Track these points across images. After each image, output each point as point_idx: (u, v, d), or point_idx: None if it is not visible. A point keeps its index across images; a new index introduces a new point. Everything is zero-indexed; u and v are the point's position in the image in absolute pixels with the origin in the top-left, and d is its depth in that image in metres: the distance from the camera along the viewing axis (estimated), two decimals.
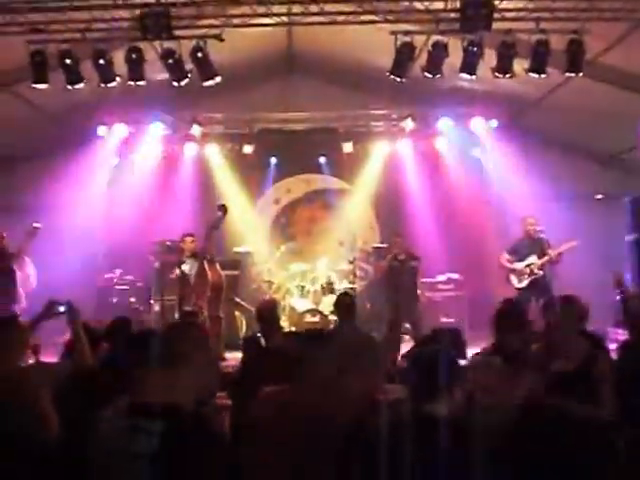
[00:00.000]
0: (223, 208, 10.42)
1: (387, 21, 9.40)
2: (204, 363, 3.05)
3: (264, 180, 14.59)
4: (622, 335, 8.98)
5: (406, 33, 9.14)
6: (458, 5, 8.58)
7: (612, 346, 6.79)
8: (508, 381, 4.33)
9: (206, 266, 10.24)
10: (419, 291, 11.76)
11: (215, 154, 14.19)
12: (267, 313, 6.96)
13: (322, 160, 14.31)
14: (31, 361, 5.45)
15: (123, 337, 6.17)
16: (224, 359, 9.63)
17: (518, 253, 11.14)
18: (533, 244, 11.06)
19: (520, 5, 8.81)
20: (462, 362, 5.72)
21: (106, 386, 4.66)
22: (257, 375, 4.77)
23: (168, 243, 12.65)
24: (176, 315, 10.33)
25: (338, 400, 3.71)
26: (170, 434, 2.82)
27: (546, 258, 10.91)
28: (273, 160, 14.23)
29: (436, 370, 3.34)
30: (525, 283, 11.01)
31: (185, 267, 10.49)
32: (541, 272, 10.97)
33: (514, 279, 11.13)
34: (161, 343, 3.14)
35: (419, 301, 11.70)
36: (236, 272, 12.76)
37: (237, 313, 12.21)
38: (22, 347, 4.98)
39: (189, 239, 10.76)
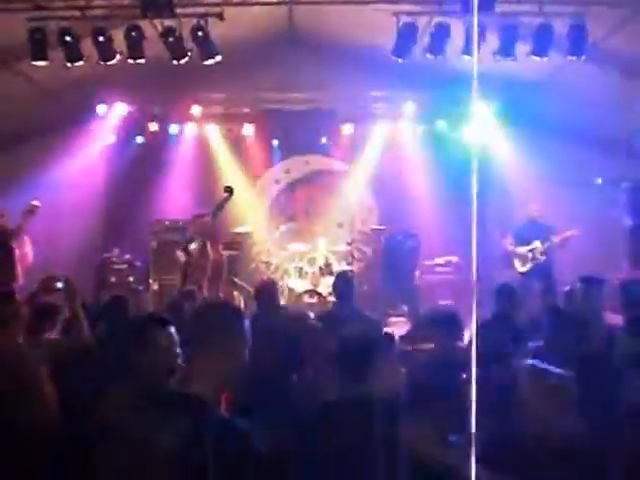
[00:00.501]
0: (229, 189, 10.45)
1: (389, 1, 9.35)
2: (227, 350, 2.97)
3: (264, 160, 14.56)
4: (619, 320, 9.00)
5: (408, 14, 9.09)
6: None
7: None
8: None
9: (208, 246, 10.28)
10: (417, 272, 11.80)
11: (215, 134, 14.17)
12: (265, 293, 6.97)
13: (324, 140, 14.26)
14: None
15: (120, 316, 6.20)
16: None
17: (521, 237, 11.17)
18: (536, 229, 11.10)
19: None
20: (460, 344, 5.77)
21: (103, 364, 4.67)
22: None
23: (167, 223, 12.66)
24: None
25: None
26: (194, 434, 2.76)
27: (549, 244, 10.93)
28: (275, 142, 14.18)
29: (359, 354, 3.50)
30: (528, 267, 11.04)
31: (193, 246, 10.52)
32: (544, 257, 10.99)
33: (517, 263, 11.16)
34: (181, 326, 3.15)
35: (416, 282, 11.74)
36: (235, 252, 12.78)
37: (235, 293, 12.23)
38: (18, 323, 4.99)
39: (198, 219, 10.76)
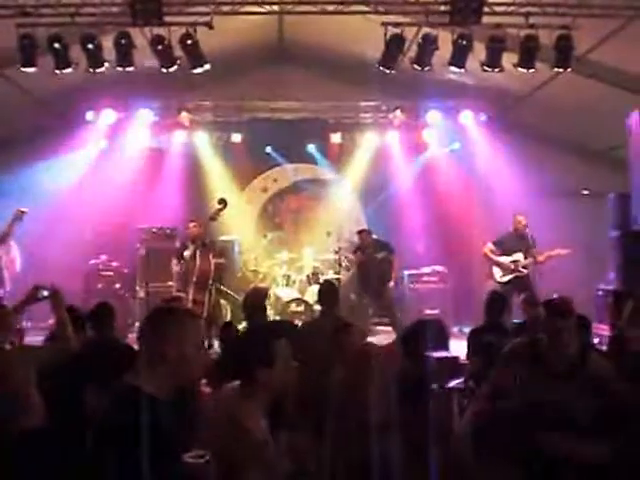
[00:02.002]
0: (223, 202, 10.51)
1: (377, 12, 9.42)
2: (180, 354, 2.94)
3: (252, 169, 14.57)
4: (604, 330, 9.07)
5: (396, 25, 9.15)
6: None
7: (595, 340, 6.90)
8: None
9: (197, 254, 10.32)
10: (391, 282, 11.80)
11: (204, 142, 14.18)
12: (254, 301, 6.98)
13: (311, 148, 14.28)
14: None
15: (106, 322, 6.21)
16: (212, 346, 9.69)
17: (503, 246, 11.19)
18: (520, 240, 11.12)
19: None
20: (445, 354, 5.81)
21: (89, 369, 4.68)
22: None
23: (154, 230, 12.66)
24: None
25: None
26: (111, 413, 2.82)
27: (532, 260, 10.97)
28: (268, 149, 14.19)
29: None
30: (508, 278, 11.08)
31: (186, 253, 10.57)
32: (525, 271, 11.04)
33: (497, 272, 11.19)
34: (138, 333, 3.11)
35: (389, 292, 11.75)
36: (222, 260, 12.77)
37: (222, 301, 12.21)
38: (6, 329, 4.98)
39: (192, 224, 10.82)
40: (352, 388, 4.40)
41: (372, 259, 11.69)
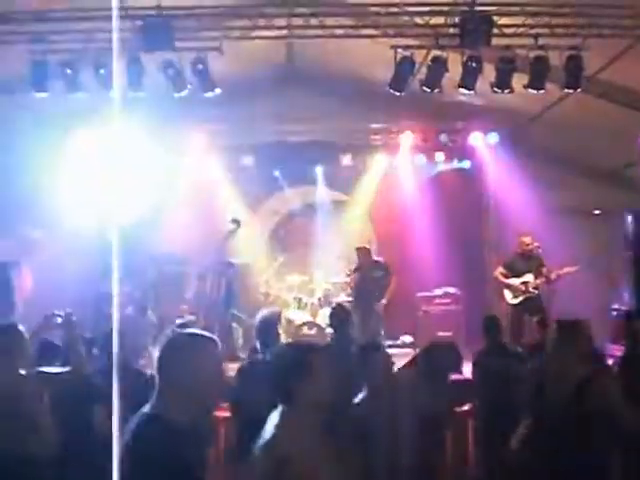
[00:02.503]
0: (236, 222, 10.55)
1: (387, 35, 9.46)
2: (199, 381, 2.90)
3: (263, 191, 14.60)
4: (619, 351, 8.99)
5: (406, 48, 9.19)
6: (458, 20, 8.64)
7: (610, 362, 6.83)
8: None
9: (209, 277, 10.35)
10: (383, 301, 11.75)
11: (215, 165, 14.21)
12: (268, 326, 6.95)
13: (318, 170, 14.28)
14: None
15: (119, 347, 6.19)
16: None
17: (514, 268, 11.16)
18: (529, 261, 11.09)
19: (519, 21, 8.87)
20: (458, 376, 5.78)
21: (99, 394, 4.66)
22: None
23: (166, 254, 12.67)
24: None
25: None
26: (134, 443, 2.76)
27: (543, 280, 10.92)
28: (276, 172, 14.22)
29: None
30: (519, 300, 11.02)
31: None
32: (536, 291, 10.98)
33: (508, 294, 11.15)
34: (158, 360, 3.07)
35: (378, 312, 11.67)
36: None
37: (234, 324, 12.20)
38: (22, 354, 5.00)
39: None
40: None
41: (367, 278, 11.63)
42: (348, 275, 12.55)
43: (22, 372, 4.88)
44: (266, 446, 3.21)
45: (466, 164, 13.87)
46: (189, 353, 2.95)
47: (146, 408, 2.90)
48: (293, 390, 3.29)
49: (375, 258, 12.00)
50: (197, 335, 3.15)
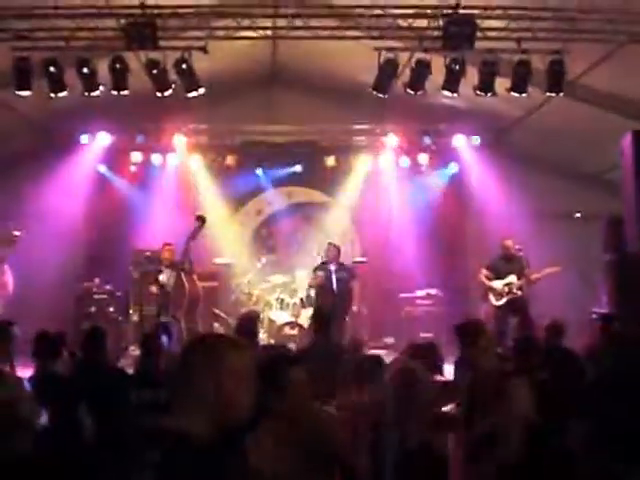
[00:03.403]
0: (201, 219, 10.49)
1: (370, 37, 9.49)
2: (223, 392, 2.54)
3: (246, 191, 14.57)
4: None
5: (389, 50, 9.22)
6: (441, 23, 8.67)
7: None
8: None
9: (183, 277, 10.28)
10: (354, 308, 11.72)
11: (198, 164, 14.18)
12: (246, 326, 6.97)
13: (298, 169, 14.24)
14: None
15: (98, 346, 6.20)
16: None
17: (497, 270, 11.21)
18: (512, 263, 11.13)
19: (502, 25, 8.92)
20: (439, 377, 5.79)
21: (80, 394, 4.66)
22: None
23: (148, 253, 12.61)
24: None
25: None
26: (164, 468, 2.43)
27: (525, 281, 10.97)
28: (259, 171, 14.21)
29: None
30: (503, 302, 11.07)
31: (162, 277, 10.52)
32: (519, 292, 11.04)
33: (492, 297, 11.19)
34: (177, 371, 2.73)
35: (346, 315, 11.56)
36: (215, 283, 12.77)
37: (216, 324, 12.19)
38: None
39: (167, 248, 10.82)
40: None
41: (330, 278, 11.55)
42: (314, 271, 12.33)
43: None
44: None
45: (449, 166, 13.92)
46: (209, 360, 2.59)
47: (170, 423, 2.56)
48: (265, 402, 3.10)
49: (341, 260, 11.89)
50: (217, 340, 2.81)
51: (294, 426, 3.26)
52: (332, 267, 11.62)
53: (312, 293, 12.25)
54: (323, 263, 11.83)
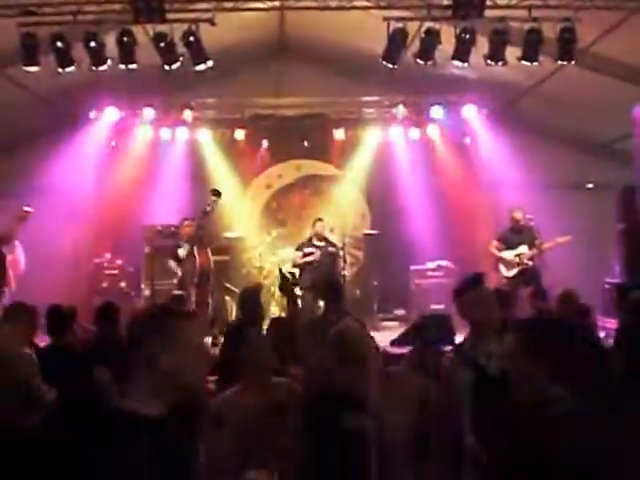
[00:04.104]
0: (216, 192, 10.51)
1: (379, 7, 9.40)
2: (178, 363, 2.50)
3: (255, 165, 14.55)
4: (611, 323, 9.05)
5: (398, 19, 9.13)
6: None
7: (602, 334, 6.87)
8: None
9: (195, 251, 10.32)
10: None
11: (207, 139, 14.14)
12: (248, 300, 6.95)
13: (305, 144, 14.19)
14: None
15: (111, 321, 6.23)
16: (217, 344, 9.73)
17: (507, 242, 11.18)
18: (522, 234, 11.11)
19: None
20: (449, 348, 5.80)
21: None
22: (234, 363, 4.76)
23: (159, 228, 12.67)
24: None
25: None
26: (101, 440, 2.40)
27: (536, 250, 10.94)
28: (264, 143, 14.16)
29: None
30: (514, 272, 11.06)
31: (181, 251, 10.59)
32: (530, 262, 11.02)
33: (503, 268, 11.18)
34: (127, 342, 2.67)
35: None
36: (226, 257, 12.78)
37: (227, 298, 12.23)
38: (29, 326, 5.16)
39: (186, 223, 10.86)
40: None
41: (322, 251, 11.66)
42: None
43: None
44: None
45: (459, 137, 13.83)
46: (162, 332, 2.52)
47: (118, 401, 2.52)
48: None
49: (327, 235, 12.01)
50: (170, 311, 2.78)
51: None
52: (318, 242, 11.73)
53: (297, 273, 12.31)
54: (309, 240, 11.92)
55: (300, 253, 11.94)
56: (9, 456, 2.88)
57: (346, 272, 12.53)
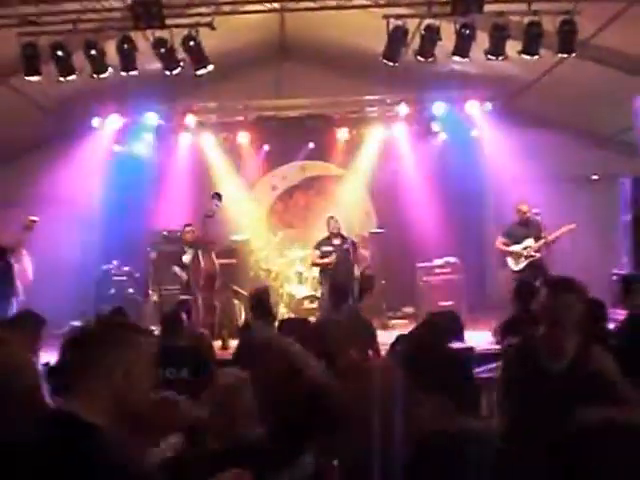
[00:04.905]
0: (217, 196, 10.53)
1: (379, 5, 9.40)
2: (127, 378, 2.43)
3: (260, 168, 14.57)
4: (620, 315, 9.02)
5: (398, 17, 9.12)
6: None
7: (610, 326, 6.85)
8: None
9: (200, 255, 10.36)
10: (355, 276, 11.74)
11: (210, 143, 14.17)
12: (257, 301, 6.98)
13: (310, 145, 14.22)
14: None
15: None
16: (227, 347, 9.77)
17: (513, 236, 11.16)
18: (528, 227, 11.09)
19: None
20: (460, 345, 5.80)
21: None
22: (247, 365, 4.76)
23: (165, 233, 12.68)
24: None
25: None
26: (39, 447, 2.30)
27: (542, 241, 10.93)
28: (265, 147, 14.18)
29: None
30: (522, 266, 11.03)
31: (185, 257, 10.63)
32: (538, 254, 11.00)
33: (511, 262, 11.15)
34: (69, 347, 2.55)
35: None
36: (233, 260, 12.80)
37: (235, 301, 12.24)
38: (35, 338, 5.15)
39: (188, 229, 10.91)
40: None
41: (338, 249, 11.65)
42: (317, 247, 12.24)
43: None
44: None
45: (463, 133, 13.81)
46: (111, 345, 2.48)
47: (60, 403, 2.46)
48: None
49: (341, 232, 11.97)
50: (121, 325, 2.64)
51: None
52: (337, 241, 11.70)
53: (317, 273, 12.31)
54: (327, 238, 11.87)
55: (318, 252, 11.91)
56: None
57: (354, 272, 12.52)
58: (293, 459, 2.93)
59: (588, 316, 3.93)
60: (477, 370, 5.46)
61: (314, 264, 12.12)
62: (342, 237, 11.82)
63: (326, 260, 11.67)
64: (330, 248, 11.69)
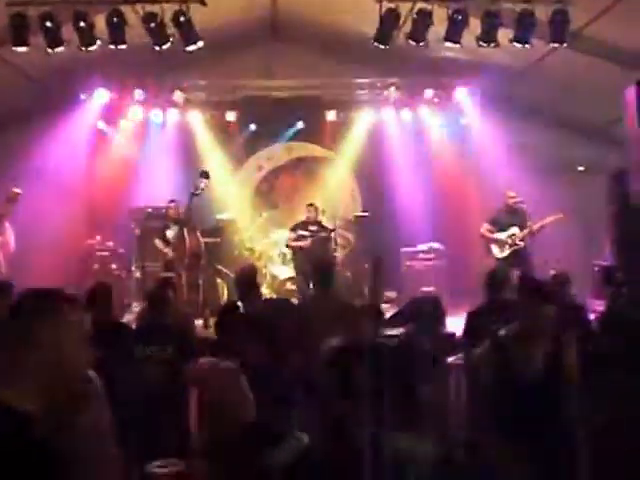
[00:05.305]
0: (205, 174, 10.47)
1: None
2: (58, 357, 2.27)
3: (247, 147, 14.51)
4: (601, 306, 9.08)
5: (391, 0, 9.08)
6: None
7: (592, 316, 6.90)
8: None
9: (185, 233, 10.32)
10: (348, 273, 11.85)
11: (197, 121, 14.07)
12: (245, 279, 6.96)
13: (299, 125, 14.19)
14: None
15: (103, 303, 6.20)
16: (208, 327, 9.75)
17: (499, 224, 11.19)
18: (514, 215, 11.12)
19: None
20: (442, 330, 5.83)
21: None
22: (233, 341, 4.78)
23: (149, 210, 12.63)
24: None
25: None
26: None
27: (528, 230, 10.96)
28: (252, 127, 14.11)
29: None
30: (506, 253, 11.08)
31: (169, 233, 10.59)
32: (522, 243, 11.04)
33: (495, 249, 11.19)
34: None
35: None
36: (217, 239, 12.75)
37: (218, 280, 12.21)
38: None
39: (172, 205, 10.87)
40: None
41: (316, 237, 11.78)
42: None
43: None
44: None
45: (451, 119, 13.81)
46: (41, 321, 2.31)
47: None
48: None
49: (320, 219, 12.15)
50: (51, 296, 2.43)
51: None
52: (313, 227, 11.81)
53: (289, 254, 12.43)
54: (303, 223, 12.02)
55: (294, 235, 12.02)
56: None
57: (337, 255, 12.56)
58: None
59: (565, 322, 3.97)
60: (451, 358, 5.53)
61: (287, 246, 12.43)
62: (320, 225, 11.94)
63: (300, 244, 11.77)
64: (306, 233, 11.82)
